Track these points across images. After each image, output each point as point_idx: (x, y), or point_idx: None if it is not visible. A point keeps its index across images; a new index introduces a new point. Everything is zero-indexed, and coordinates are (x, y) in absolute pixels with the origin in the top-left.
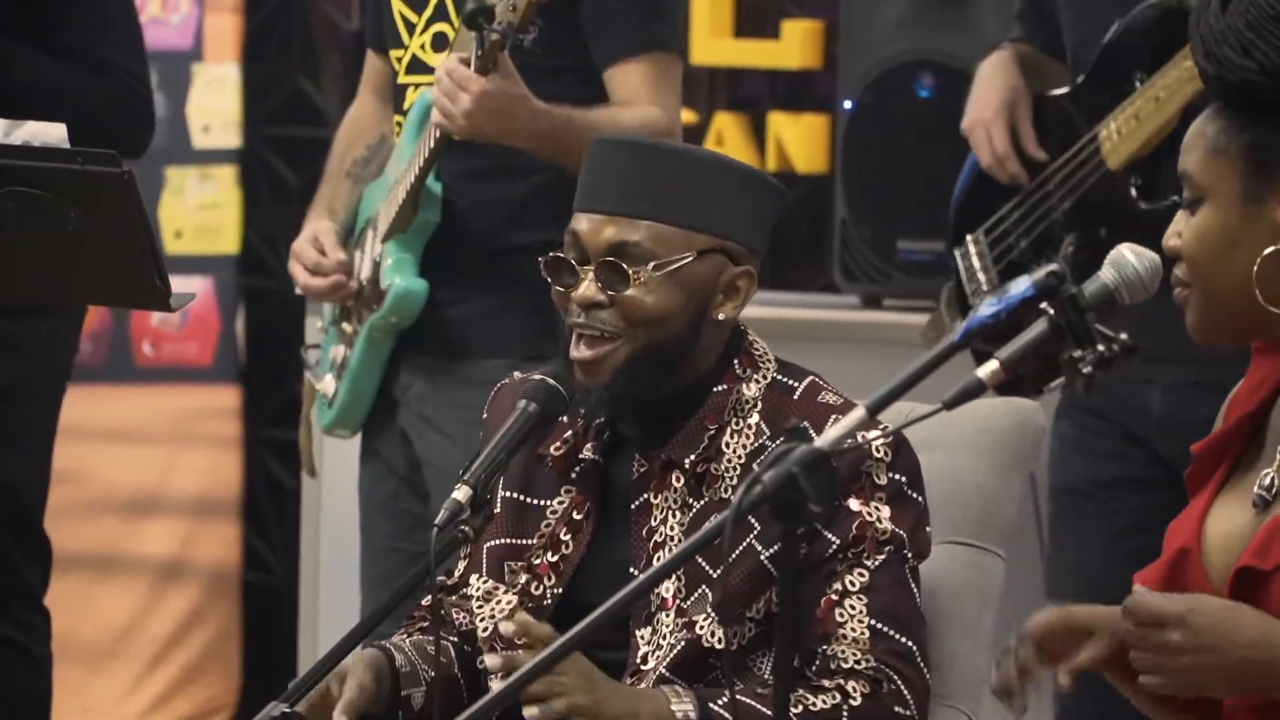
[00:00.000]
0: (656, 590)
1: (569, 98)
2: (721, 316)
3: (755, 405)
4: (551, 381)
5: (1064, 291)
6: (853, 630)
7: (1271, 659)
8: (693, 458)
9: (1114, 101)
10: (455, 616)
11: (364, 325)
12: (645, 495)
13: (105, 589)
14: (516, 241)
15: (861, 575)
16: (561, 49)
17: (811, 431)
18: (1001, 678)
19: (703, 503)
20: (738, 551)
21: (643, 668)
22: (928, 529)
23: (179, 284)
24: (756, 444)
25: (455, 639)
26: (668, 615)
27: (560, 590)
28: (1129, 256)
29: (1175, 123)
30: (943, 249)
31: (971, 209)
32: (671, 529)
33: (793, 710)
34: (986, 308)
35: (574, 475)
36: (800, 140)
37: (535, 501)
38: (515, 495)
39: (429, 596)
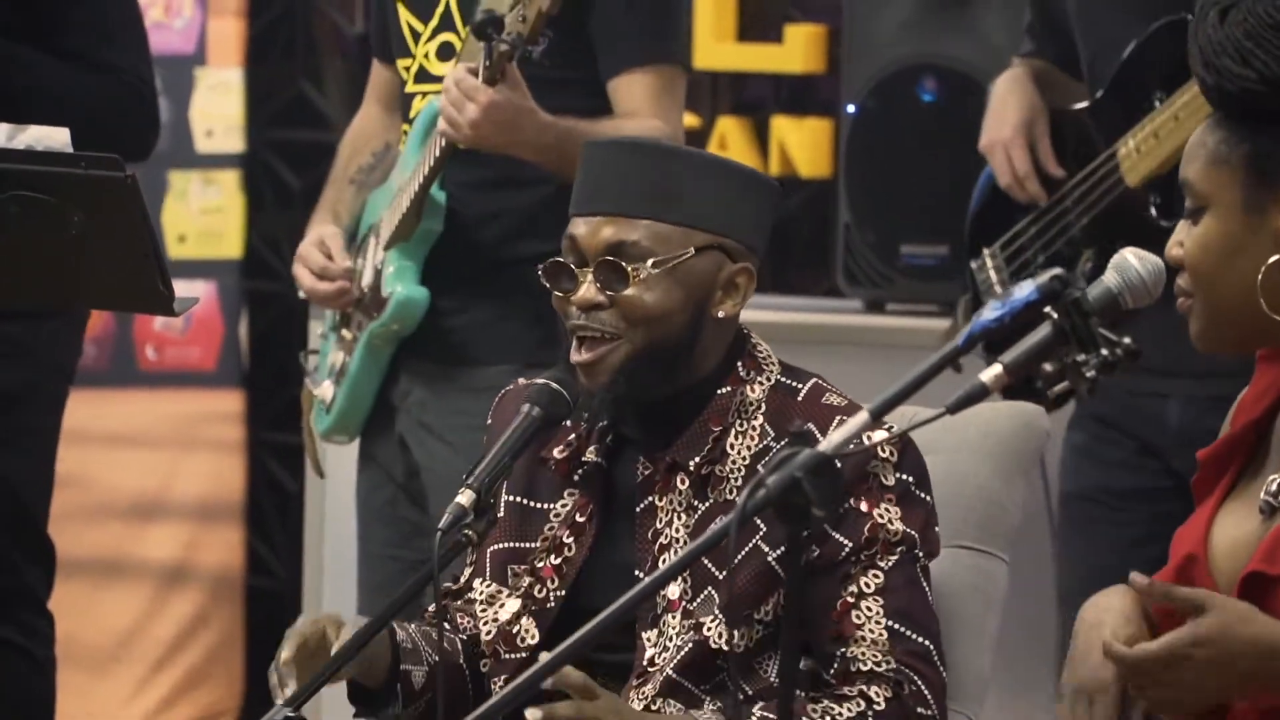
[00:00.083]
0: (662, 592)
1: (576, 110)
2: (721, 314)
3: (759, 407)
4: (555, 386)
5: (1068, 296)
6: (871, 632)
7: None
8: (697, 459)
9: (1132, 118)
10: (461, 621)
11: (364, 332)
12: (650, 498)
13: (109, 593)
14: (521, 252)
15: (876, 577)
16: (569, 61)
17: (816, 433)
18: None
19: (708, 504)
20: (744, 553)
21: (649, 669)
22: (937, 528)
23: (182, 288)
24: (761, 445)
25: (463, 638)
26: (674, 617)
27: (563, 593)
28: (1132, 261)
29: None
30: (946, 253)
31: (988, 221)
32: (677, 531)
33: None
34: (990, 311)
35: (577, 478)
36: (803, 144)
37: (538, 505)
38: (518, 499)
39: (434, 602)
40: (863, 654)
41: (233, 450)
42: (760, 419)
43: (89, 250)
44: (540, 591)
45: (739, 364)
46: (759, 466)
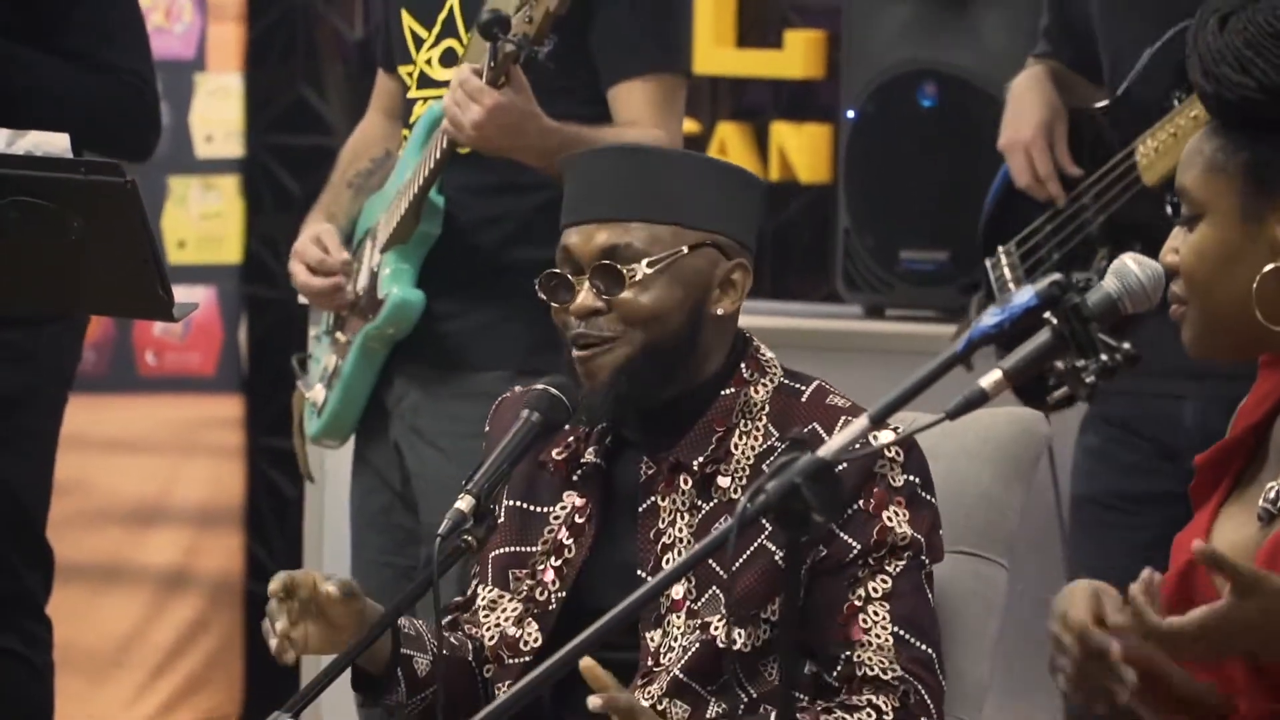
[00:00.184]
0: (666, 592)
1: (577, 117)
2: (720, 311)
3: (763, 408)
4: (554, 391)
5: (1067, 301)
6: (877, 637)
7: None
8: (701, 460)
9: (1151, 118)
10: (473, 633)
11: (358, 335)
12: (653, 498)
13: (108, 599)
14: (519, 258)
15: (884, 582)
16: (572, 68)
17: (822, 433)
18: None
19: (711, 505)
20: (749, 551)
21: (655, 669)
22: (940, 532)
23: (182, 294)
24: (765, 446)
25: (474, 645)
26: (679, 617)
27: (564, 594)
28: (1131, 266)
29: None
30: (945, 259)
31: (1003, 220)
32: (680, 531)
33: None
34: (989, 317)
35: (575, 478)
36: (803, 150)
37: (538, 509)
38: (519, 504)
39: (442, 618)
40: (869, 659)
41: (232, 455)
42: (764, 420)
43: (89, 255)
44: (541, 594)
45: (742, 366)
46: (763, 467)
